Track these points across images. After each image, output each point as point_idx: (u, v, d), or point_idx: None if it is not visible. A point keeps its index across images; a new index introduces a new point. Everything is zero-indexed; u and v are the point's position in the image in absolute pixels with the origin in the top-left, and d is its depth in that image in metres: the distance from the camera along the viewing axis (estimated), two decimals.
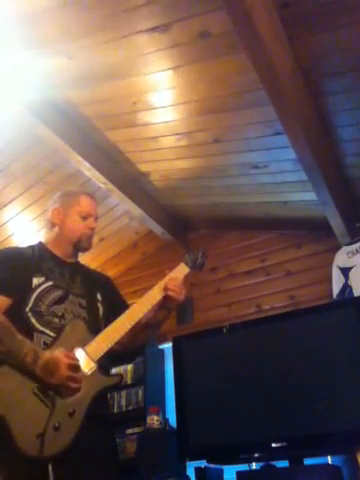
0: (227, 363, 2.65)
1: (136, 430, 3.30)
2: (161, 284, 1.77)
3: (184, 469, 2.85)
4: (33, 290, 1.67)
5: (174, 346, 2.84)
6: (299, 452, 2.36)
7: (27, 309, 1.64)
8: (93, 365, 1.58)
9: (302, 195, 2.94)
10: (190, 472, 2.76)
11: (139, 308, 1.72)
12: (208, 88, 2.27)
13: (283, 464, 2.43)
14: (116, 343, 1.66)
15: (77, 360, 1.54)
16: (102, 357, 1.62)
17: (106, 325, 1.72)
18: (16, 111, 2.48)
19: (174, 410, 2.76)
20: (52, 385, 1.48)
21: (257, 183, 2.98)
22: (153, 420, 3.08)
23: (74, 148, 2.72)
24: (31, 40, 2.12)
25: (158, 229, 3.63)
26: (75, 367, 1.50)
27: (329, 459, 2.48)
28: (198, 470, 2.59)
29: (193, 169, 2.97)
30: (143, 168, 3.08)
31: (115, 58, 2.18)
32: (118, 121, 2.63)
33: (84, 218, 1.84)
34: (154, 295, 1.76)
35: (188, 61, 2.13)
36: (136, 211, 3.38)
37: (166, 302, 1.78)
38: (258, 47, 1.78)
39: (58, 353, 1.51)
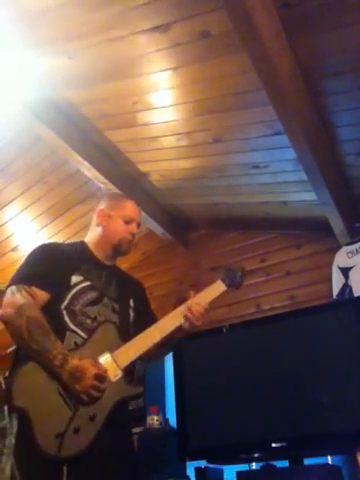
0: (227, 363, 2.65)
1: (136, 430, 3.30)
2: (187, 304, 1.75)
3: (184, 469, 2.85)
4: (70, 288, 1.68)
5: (174, 346, 2.84)
6: (299, 452, 2.36)
7: (62, 306, 1.65)
8: (119, 372, 1.58)
9: (302, 195, 2.94)
10: (190, 472, 2.76)
11: (171, 321, 1.72)
12: (208, 88, 2.27)
13: (283, 464, 2.43)
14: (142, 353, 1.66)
15: (104, 371, 1.53)
16: (128, 365, 1.62)
17: (134, 332, 1.73)
18: (16, 111, 2.47)
19: (174, 410, 2.76)
20: (76, 391, 1.48)
21: (257, 183, 2.98)
22: (153, 420, 3.08)
23: (74, 148, 2.72)
24: (31, 40, 2.12)
25: (158, 229, 3.63)
26: (101, 377, 1.51)
27: (329, 459, 2.48)
28: (198, 470, 2.60)
29: (193, 169, 2.97)
30: (143, 168, 3.08)
31: (115, 58, 2.18)
32: (118, 121, 2.63)
33: (127, 222, 1.86)
34: (183, 312, 1.74)
35: (188, 61, 2.13)
36: None
37: (184, 323, 1.74)
38: (258, 47, 1.77)
39: (87, 361, 1.51)
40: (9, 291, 1.64)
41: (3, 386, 4.25)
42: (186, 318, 1.72)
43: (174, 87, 2.31)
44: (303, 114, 2.14)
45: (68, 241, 1.95)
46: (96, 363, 1.54)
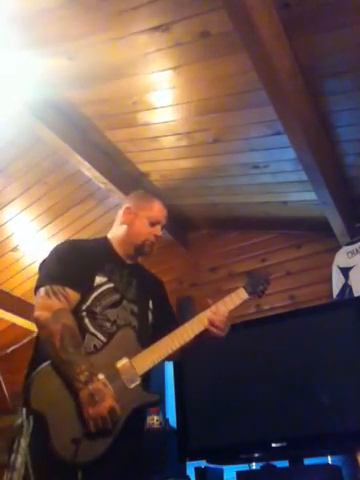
0: (227, 363, 2.65)
1: None
2: (208, 313, 1.72)
3: (184, 469, 2.85)
4: (94, 289, 1.67)
5: None
6: (299, 452, 2.36)
7: (83, 307, 1.63)
8: (137, 379, 1.58)
9: (302, 195, 2.94)
10: (190, 472, 2.77)
11: (190, 329, 1.69)
12: (208, 88, 2.27)
13: (283, 464, 2.43)
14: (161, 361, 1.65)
15: (117, 411, 1.49)
16: (146, 372, 1.62)
17: (153, 334, 1.72)
18: (16, 111, 2.47)
19: (174, 410, 2.76)
20: (87, 414, 1.45)
21: (257, 183, 2.98)
22: (153, 420, 3.08)
23: (74, 148, 2.72)
24: (31, 40, 2.12)
25: None
26: (114, 412, 1.47)
27: (329, 459, 2.48)
28: (198, 470, 2.59)
29: (193, 169, 2.97)
30: (143, 168, 3.08)
31: (115, 58, 2.18)
32: (118, 121, 2.63)
33: (152, 224, 1.84)
34: (203, 320, 1.71)
35: (188, 61, 2.13)
36: None
37: (205, 333, 1.71)
38: (258, 47, 1.77)
39: (109, 390, 1.49)
40: (43, 291, 1.61)
41: (3, 386, 4.26)
42: (210, 331, 1.69)
43: (174, 87, 2.31)
44: (303, 114, 2.14)
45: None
46: (114, 400, 1.49)
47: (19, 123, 2.59)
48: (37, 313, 1.58)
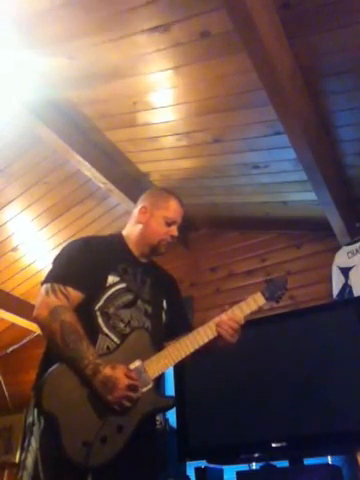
0: (227, 363, 2.64)
1: None
2: (223, 317, 1.68)
3: (184, 469, 2.85)
4: (106, 289, 1.65)
5: None
6: (299, 452, 2.36)
7: (96, 308, 1.62)
8: (150, 383, 1.56)
9: (302, 195, 2.94)
10: (190, 472, 2.76)
11: (204, 333, 1.67)
12: (208, 88, 2.27)
13: (283, 464, 2.43)
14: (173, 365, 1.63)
15: (137, 380, 1.50)
16: (159, 376, 1.60)
17: (166, 334, 1.71)
18: (16, 111, 2.47)
19: (174, 410, 2.76)
20: (108, 401, 1.46)
21: (257, 183, 2.98)
22: None
23: (74, 148, 2.72)
24: (31, 40, 2.12)
25: None
26: (134, 387, 1.48)
27: (329, 459, 2.48)
28: (198, 470, 2.59)
29: (193, 169, 2.97)
30: (143, 168, 3.08)
31: (115, 58, 2.18)
32: (118, 121, 2.64)
33: (168, 224, 1.82)
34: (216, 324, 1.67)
35: (188, 61, 2.13)
36: None
37: (217, 339, 1.68)
38: (258, 47, 1.77)
39: (119, 370, 1.48)
40: (43, 289, 1.60)
41: (3, 386, 4.25)
42: (219, 335, 1.66)
43: (174, 87, 2.31)
44: (303, 114, 2.14)
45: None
46: (129, 371, 1.50)
47: (19, 123, 2.59)
48: (35, 312, 1.57)
